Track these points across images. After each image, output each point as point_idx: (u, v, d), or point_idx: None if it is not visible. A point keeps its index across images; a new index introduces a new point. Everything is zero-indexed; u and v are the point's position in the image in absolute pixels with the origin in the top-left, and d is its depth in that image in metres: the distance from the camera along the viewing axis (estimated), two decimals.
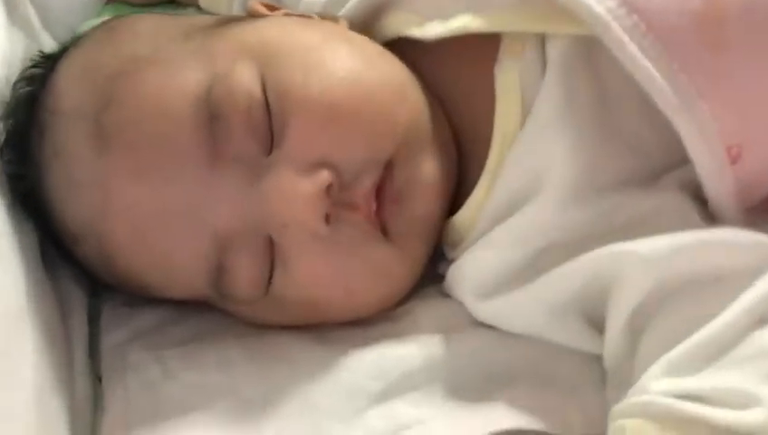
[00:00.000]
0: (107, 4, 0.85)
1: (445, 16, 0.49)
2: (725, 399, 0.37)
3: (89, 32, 0.56)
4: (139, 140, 0.45)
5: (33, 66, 0.56)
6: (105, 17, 0.82)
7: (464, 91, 0.50)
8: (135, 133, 0.45)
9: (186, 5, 0.84)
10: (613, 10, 0.42)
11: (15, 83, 0.55)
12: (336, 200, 0.45)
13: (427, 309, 0.50)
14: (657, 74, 0.42)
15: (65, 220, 0.49)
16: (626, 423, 0.38)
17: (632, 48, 0.42)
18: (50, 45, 0.77)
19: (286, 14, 0.55)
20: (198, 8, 0.82)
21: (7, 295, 0.45)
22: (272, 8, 0.57)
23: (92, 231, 0.48)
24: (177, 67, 0.47)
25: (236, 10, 0.77)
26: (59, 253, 0.53)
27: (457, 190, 0.50)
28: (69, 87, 0.50)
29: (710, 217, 0.47)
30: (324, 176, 0.44)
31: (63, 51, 0.56)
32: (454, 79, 0.51)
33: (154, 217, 0.45)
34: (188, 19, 0.55)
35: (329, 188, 0.44)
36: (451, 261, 0.50)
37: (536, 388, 0.44)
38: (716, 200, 0.46)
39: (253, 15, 0.54)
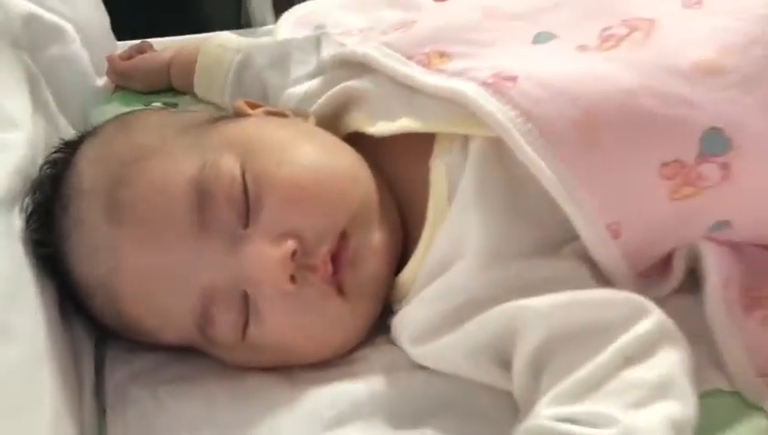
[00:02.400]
0: (114, 91, 0.98)
1: (392, 118, 0.62)
2: (594, 421, 0.47)
3: (105, 124, 0.68)
4: (144, 213, 0.57)
5: (56, 151, 0.68)
6: (114, 104, 0.94)
7: (406, 177, 0.62)
8: (141, 208, 0.57)
9: (183, 93, 0.97)
10: (513, 119, 0.54)
11: (42, 166, 0.67)
12: (300, 264, 0.56)
13: (377, 354, 0.60)
14: (546, 168, 0.53)
15: (82, 277, 0.60)
16: None
17: (528, 149, 0.54)
18: (65, 127, 0.88)
19: (266, 112, 0.67)
20: (194, 96, 0.94)
21: (31, 339, 0.56)
22: (254, 106, 0.69)
23: (104, 286, 0.59)
24: (176, 156, 0.58)
25: (227, 100, 0.90)
26: (73, 307, 0.63)
27: (402, 256, 0.62)
28: (89, 169, 0.61)
29: (605, 280, 0.58)
30: (290, 244, 0.55)
31: (82, 138, 0.68)
32: (399, 167, 0.63)
33: (154, 276, 0.57)
34: (187, 116, 0.67)
35: (294, 253, 0.55)
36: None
37: (461, 417, 0.55)
38: (605, 267, 0.57)
39: (238, 113, 0.67)
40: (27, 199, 0.65)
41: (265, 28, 1.14)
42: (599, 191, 0.54)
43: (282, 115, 0.67)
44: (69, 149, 0.67)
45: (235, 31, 0.99)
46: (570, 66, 0.56)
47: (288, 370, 0.60)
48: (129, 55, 0.94)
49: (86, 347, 0.64)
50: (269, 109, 0.68)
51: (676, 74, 0.55)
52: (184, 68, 0.90)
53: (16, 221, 0.65)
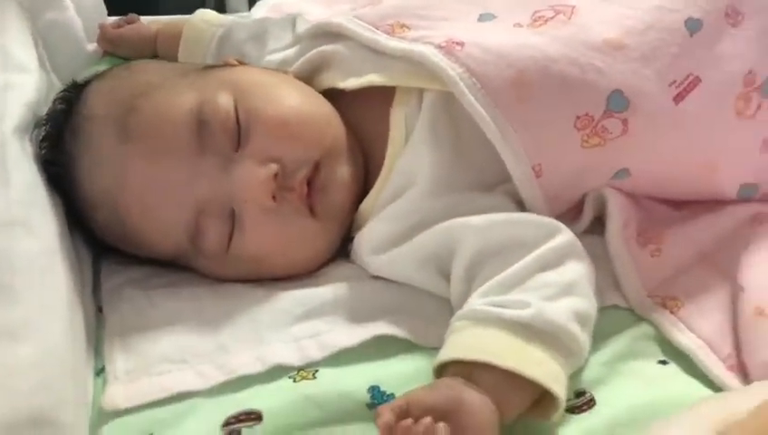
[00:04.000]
0: (103, 57, 1.07)
1: (360, 75, 0.74)
2: (516, 306, 0.59)
3: (109, 68, 0.78)
4: (150, 135, 0.67)
5: (65, 90, 0.78)
6: (102, 66, 1.04)
7: (370, 125, 0.74)
8: (148, 130, 0.68)
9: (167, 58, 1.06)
10: (460, 74, 0.67)
11: (54, 100, 0.77)
12: (280, 185, 0.67)
13: (338, 269, 0.72)
14: (486, 115, 0.66)
15: (90, 192, 0.70)
16: (454, 323, 0.60)
17: (471, 99, 0.66)
18: (57, 85, 0.97)
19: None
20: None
21: (46, 236, 0.65)
22: (241, 63, 0.80)
23: (110, 198, 0.69)
24: (179, 91, 0.70)
25: (217, 48, 0.95)
26: (76, 223, 0.73)
27: (363, 188, 0.73)
28: (100, 100, 0.72)
29: None
30: (273, 167, 0.66)
31: (87, 81, 0.78)
32: (364, 117, 0.75)
33: (156, 189, 0.67)
34: (182, 64, 0.78)
35: (275, 175, 0.66)
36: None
37: (408, 316, 0.66)
38: (530, 204, 0.70)
39: (228, 64, 0.78)
40: (38, 130, 0.75)
41: (240, 14, 1.25)
42: (526, 137, 0.67)
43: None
44: (76, 90, 0.77)
45: None
46: (507, 37, 0.69)
47: (262, 281, 0.71)
48: (118, 25, 1.04)
49: (85, 257, 0.74)
50: (253, 66, 0.80)
51: (590, 48, 0.68)
52: (169, 39, 1.00)
53: (28, 146, 0.74)
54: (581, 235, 0.71)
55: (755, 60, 0.72)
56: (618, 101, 0.67)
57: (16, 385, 0.54)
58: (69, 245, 0.69)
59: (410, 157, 0.70)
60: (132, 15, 1.07)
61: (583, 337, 0.60)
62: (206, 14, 1.00)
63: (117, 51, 1.03)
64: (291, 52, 0.84)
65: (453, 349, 0.58)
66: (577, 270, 0.63)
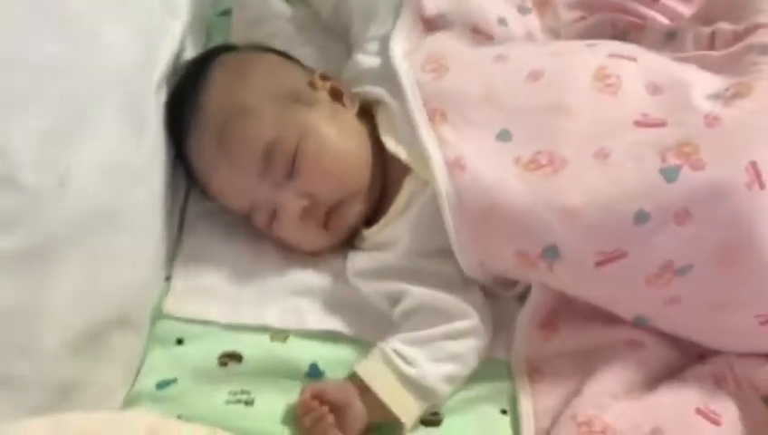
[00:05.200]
0: None
1: (398, 140, 1.02)
2: (409, 361, 0.91)
3: (228, 60, 1.06)
4: (234, 153, 1.00)
5: (194, 63, 1.08)
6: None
7: (393, 170, 1.03)
8: (233, 149, 0.99)
9: None
10: (448, 191, 0.94)
11: (186, 65, 1.08)
12: (307, 211, 0.99)
13: (336, 261, 1.04)
14: (452, 228, 0.94)
15: (191, 162, 1.04)
16: (375, 349, 0.93)
17: (447, 213, 0.94)
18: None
19: (331, 92, 1.05)
20: None
21: (159, 187, 1.00)
22: (326, 79, 1.06)
23: (203, 175, 1.04)
24: (264, 122, 0.99)
25: (328, 16, 1.21)
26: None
27: (374, 215, 1.03)
28: (215, 96, 1.02)
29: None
30: (304, 202, 0.99)
31: (212, 58, 1.06)
32: (392, 160, 1.02)
33: (230, 186, 1.02)
34: (286, 76, 1.05)
35: (305, 207, 0.98)
36: (355, 248, 1.05)
37: (362, 315, 0.99)
38: (471, 277, 0.98)
39: (312, 85, 1.04)
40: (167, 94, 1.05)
41: None
42: (477, 247, 0.95)
43: (339, 97, 1.05)
44: (201, 68, 1.05)
45: None
46: (500, 173, 0.92)
47: (288, 251, 1.05)
48: None
49: (181, 182, 1.08)
50: (334, 86, 1.06)
51: (552, 208, 0.89)
52: None
53: (163, 96, 1.04)
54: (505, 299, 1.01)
55: (681, 254, 0.87)
56: (551, 253, 0.91)
57: (113, 292, 0.91)
58: (167, 192, 1.01)
59: (400, 227, 1.00)
60: None
61: (446, 392, 0.93)
62: None
63: None
64: (372, 66, 1.08)
65: (362, 368, 0.92)
66: (469, 345, 0.94)
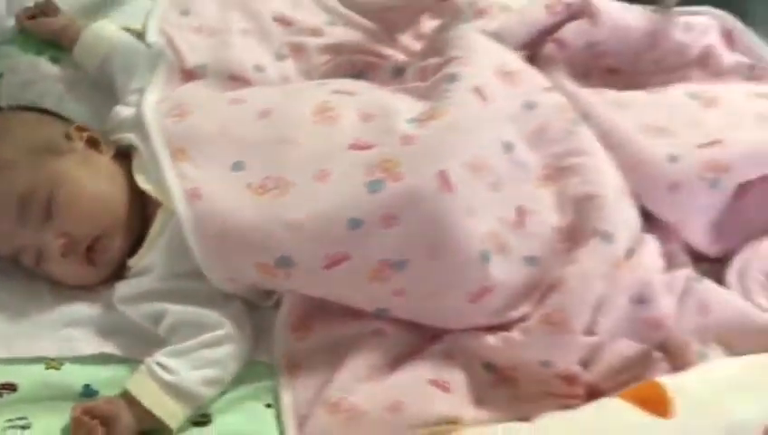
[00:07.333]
0: (20, 33, 1.37)
1: (148, 178, 1.15)
2: (169, 370, 1.03)
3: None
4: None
5: None
6: (15, 48, 1.36)
7: (150, 204, 1.15)
8: None
9: (68, 50, 1.37)
10: (188, 218, 1.08)
11: None
12: (68, 249, 1.10)
13: (107, 292, 1.15)
14: (196, 249, 1.08)
15: None
16: (142, 365, 1.05)
17: (190, 236, 1.07)
18: None
19: (87, 141, 1.17)
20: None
21: None
22: (82, 130, 1.18)
23: None
24: (19, 175, 1.10)
25: (93, 73, 1.34)
26: None
27: (137, 248, 1.15)
28: None
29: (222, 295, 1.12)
30: (61, 241, 1.10)
31: None
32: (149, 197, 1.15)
33: None
34: (45, 132, 1.17)
35: (64, 245, 1.09)
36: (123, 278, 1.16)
37: (131, 337, 1.11)
38: (220, 288, 1.11)
39: (68, 137, 1.16)
40: None
41: None
42: (221, 265, 1.08)
43: (96, 145, 1.18)
44: None
45: None
46: (233, 198, 1.07)
47: (60, 286, 1.15)
48: (32, 14, 1.37)
49: None
50: (91, 135, 1.19)
51: (280, 225, 1.04)
52: (69, 41, 1.36)
53: None
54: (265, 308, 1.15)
55: (395, 251, 1.02)
56: (285, 262, 1.05)
57: None
58: None
59: (156, 252, 1.13)
60: (50, 2, 1.37)
61: (208, 394, 1.05)
62: (97, 29, 1.33)
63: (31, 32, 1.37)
64: (128, 116, 1.21)
65: (131, 382, 1.04)
66: (227, 351, 1.07)
